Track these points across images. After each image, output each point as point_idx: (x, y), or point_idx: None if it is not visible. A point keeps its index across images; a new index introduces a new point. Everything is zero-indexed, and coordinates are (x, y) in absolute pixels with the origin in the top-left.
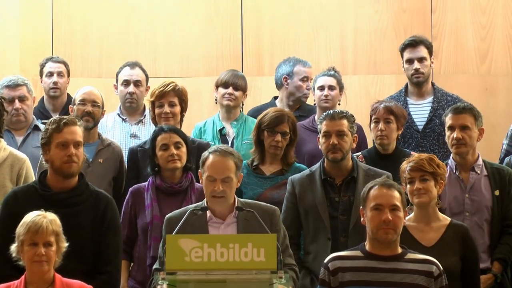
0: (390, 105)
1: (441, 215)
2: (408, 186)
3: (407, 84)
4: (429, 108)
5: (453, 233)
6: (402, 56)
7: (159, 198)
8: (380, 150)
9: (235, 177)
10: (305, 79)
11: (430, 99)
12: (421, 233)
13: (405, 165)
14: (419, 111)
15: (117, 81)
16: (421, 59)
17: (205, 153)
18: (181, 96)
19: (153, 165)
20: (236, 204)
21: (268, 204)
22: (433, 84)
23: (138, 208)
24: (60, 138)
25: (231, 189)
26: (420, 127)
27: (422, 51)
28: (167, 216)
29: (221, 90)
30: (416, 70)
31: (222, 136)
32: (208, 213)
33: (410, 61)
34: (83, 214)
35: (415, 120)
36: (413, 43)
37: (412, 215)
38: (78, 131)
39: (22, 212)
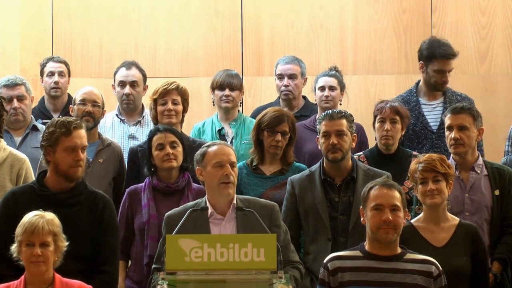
0: (396, 105)
1: (449, 215)
2: (420, 186)
3: (417, 83)
4: (442, 108)
5: (463, 233)
6: (427, 60)
7: (156, 198)
8: (382, 150)
9: (236, 166)
10: (280, 76)
11: (441, 99)
12: (431, 233)
13: (416, 165)
14: (432, 111)
15: (114, 82)
16: (450, 71)
17: (202, 149)
18: (184, 96)
19: (150, 165)
20: (235, 202)
21: (267, 200)
22: None
23: (135, 208)
24: (69, 143)
25: (236, 176)
26: (435, 128)
27: (453, 64)
28: (166, 214)
29: (218, 93)
30: (444, 82)
31: (221, 136)
32: (210, 209)
33: (442, 72)
34: (81, 214)
35: (429, 121)
36: (450, 57)
37: (421, 215)
38: (84, 135)
39: (21, 212)
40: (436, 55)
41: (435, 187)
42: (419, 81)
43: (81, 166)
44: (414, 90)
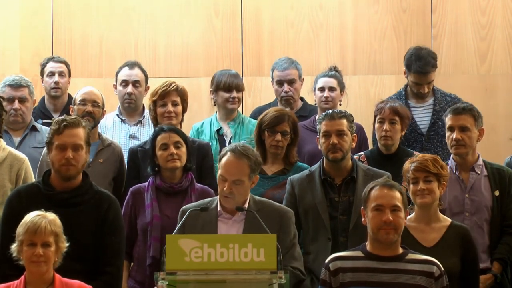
0: (395, 106)
1: (441, 216)
2: (411, 186)
3: (406, 86)
4: (431, 110)
5: (453, 234)
6: (406, 68)
7: (159, 198)
8: (382, 150)
9: (247, 180)
10: (279, 82)
11: (430, 101)
12: (422, 233)
13: (408, 165)
14: (421, 114)
15: (116, 81)
16: (430, 83)
17: (225, 149)
18: (183, 96)
19: (153, 165)
20: (248, 202)
21: (283, 205)
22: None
23: (138, 208)
24: (59, 141)
25: (240, 191)
26: (424, 131)
27: (431, 76)
28: (182, 208)
29: (224, 94)
30: (422, 93)
31: (220, 136)
32: (219, 207)
33: (417, 84)
34: (85, 214)
35: (418, 123)
36: (422, 74)
37: (412, 215)
38: (79, 134)
39: (25, 211)
40: (411, 69)
41: (426, 187)
42: (407, 84)
43: (72, 165)
44: (403, 92)
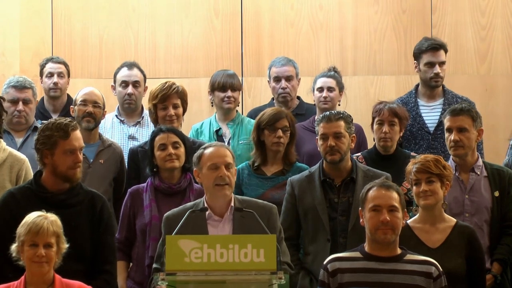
0: (394, 107)
1: (446, 216)
2: (414, 187)
3: (417, 85)
4: (440, 110)
5: (458, 235)
6: (417, 57)
7: (158, 198)
8: (380, 151)
9: (234, 167)
10: (277, 79)
11: (440, 101)
12: (427, 234)
13: (411, 166)
14: (430, 113)
15: (114, 82)
16: (441, 64)
17: (199, 151)
18: (183, 97)
19: (152, 166)
20: (233, 203)
21: (266, 202)
22: (443, 86)
23: (137, 208)
24: (68, 146)
25: (232, 177)
26: (432, 129)
27: (443, 56)
28: (165, 214)
29: (219, 94)
30: (437, 75)
31: (219, 137)
32: (207, 211)
33: (431, 64)
34: (81, 215)
35: (426, 122)
36: (436, 47)
37: (417, 216)
38: (81, 136)
39: (20, 212)
40: (422, 48)
41: (428, 188)
42: (418, 83)
43: (79, 167)
44: (414, 91)
